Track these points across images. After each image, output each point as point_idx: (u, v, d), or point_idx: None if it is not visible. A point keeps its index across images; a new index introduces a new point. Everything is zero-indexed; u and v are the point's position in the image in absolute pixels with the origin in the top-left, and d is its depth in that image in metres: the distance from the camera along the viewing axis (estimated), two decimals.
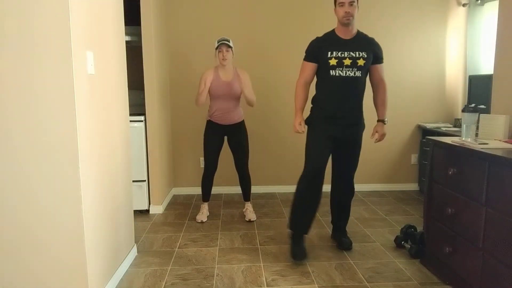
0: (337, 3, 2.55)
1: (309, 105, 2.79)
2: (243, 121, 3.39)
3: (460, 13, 4.19)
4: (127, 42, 3.26)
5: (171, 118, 4.17)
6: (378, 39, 2.64)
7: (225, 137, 3.39)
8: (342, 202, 2.89)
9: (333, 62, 2.56)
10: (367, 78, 2.74)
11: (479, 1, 4.00)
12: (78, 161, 1.83)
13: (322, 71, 2.64)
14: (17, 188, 1.84)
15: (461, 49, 4.22)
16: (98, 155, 2.07)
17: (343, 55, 2.56)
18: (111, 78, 2.29)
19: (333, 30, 2.66)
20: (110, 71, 2.28)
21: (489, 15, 3.94)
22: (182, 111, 4.18)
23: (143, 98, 3.54)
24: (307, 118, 2.74)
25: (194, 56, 4.11)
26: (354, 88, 2.62)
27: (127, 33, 3.53)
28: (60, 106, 1.79)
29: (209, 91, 3.25)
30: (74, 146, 1.82)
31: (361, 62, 2.56)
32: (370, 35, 2.70)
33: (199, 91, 3.20)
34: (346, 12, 2.49)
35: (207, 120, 3.37)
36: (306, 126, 2.75)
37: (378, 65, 2.68)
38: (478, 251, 2.02)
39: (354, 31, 2.62)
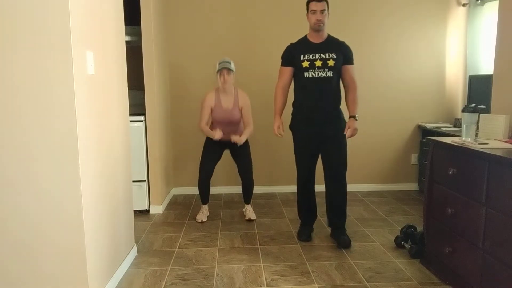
0: (309, 10, 2.74)
1: (290, 110, 2.96)
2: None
3: (460, 13, 4.19)
4: (127, 42, 3.25)
5: (171, 118, 4.17)
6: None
7: (226, 149, 3.43)
8: (336, 200, 2.94)
9: (305, 64, 2.77)
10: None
11: (479, 1, 4.00)
12: (78, 161, 1.83)
13: (297, 75, 2.85)
14: (17, 188, 1.84)
15: (461, 49, 4.22)
16: (98, 155, 2.07)
17: (314, 57, 2.77)
18: (111, 78, 2.29)
19: (305, 36, 2.88)
20: (110, 71, 2.28)
21: (489, 15, 3.94)
22: (182, 111, 4.18)
23: (143, 98, 3.54)
24: (290, 124, 2.95)
25: (194, 56, 4.11)
26: (327, 88, 2.79)
27: (127, 33, 3.52)
28: (60, 106, 1.79)
29: (210, 114, 3.31)
30: (74, 146, 1.82)
31: (331, 62, 2.75)
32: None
33: (207, 132, 3.27)
34: (317, 19, 2.71)
35: (207, 140, 3.41)
36: (291, 131, 2.96)
37: (348, 66, 2.84)
38: (478, 251, 2.02)
39: (325, 36, 2.83)
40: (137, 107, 3.69)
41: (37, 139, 1.81)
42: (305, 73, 2.78)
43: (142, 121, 3.50)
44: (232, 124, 3.31)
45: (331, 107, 2.82)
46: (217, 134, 3.22)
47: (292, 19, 4.10)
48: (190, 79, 4.13)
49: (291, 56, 2.84)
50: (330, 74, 2.75)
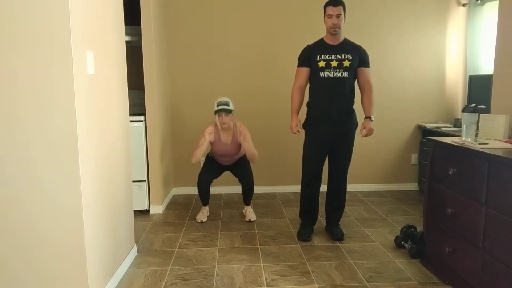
0: (325, 14, 2.80)
1: (305, 110, 2.99)
2: (244, 155, 3.47)
3: (460, 13, 4.19)
4: (127, 42, 3.24)
5: (171, 118, 4.17)
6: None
7: (226, 169, 3.52)
8: (335, 194, 3.04)
9: (321, 64, 2.83)
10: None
11: (479, 1, 4.00)
12: (78, 161, 1.83)
13: (313, 75, 2.90)
14: (17, 188, 1.84)
15: (461, 49, 4.22)
16: (98, 155, 2.07)
17: (330, 57, 2.82)
18: (111, 78, 2.29)
19: (322, 38, 2.93)
20: (110, 71, 2.28)
21: (489, 15, 3.94)
22: (182, 111, 4.17)
23: (143, 98, 3.53)
24: (303, 123, 2.99)
25: (194, 56, 4.10)
26: (342, 88, 2.84)
27: (127, 33, 3.52)
28: (60, 106, 1.79)
29: (210, 143, 3.37)
30: (74, 146, 1.82)
31: (346, 63, 2.81)
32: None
33: (198, 144, 3.29)
34: (333, 23, 2.76)
35: (209, 155, 3.49)
36: (304, 130, 2.99)
37: (364, 69, 2.90)
38: (478, 251, 2.02)
39: (341, 39, 2.88)
40: (137, 107, 3.69)
41: (37, 139, 1.81)
42: (320, 73, 2.83)
43: (142, 121, 3.50)
44: (232, 155, 3.41)
45: (345, 107, 2.88)
46: (194, 158, 3.29)
47: (295, 23, 4.10)
48: (190, 79, 4.12)
49: (307, 56, 2.89)
50: (345, 74, 2.81)
